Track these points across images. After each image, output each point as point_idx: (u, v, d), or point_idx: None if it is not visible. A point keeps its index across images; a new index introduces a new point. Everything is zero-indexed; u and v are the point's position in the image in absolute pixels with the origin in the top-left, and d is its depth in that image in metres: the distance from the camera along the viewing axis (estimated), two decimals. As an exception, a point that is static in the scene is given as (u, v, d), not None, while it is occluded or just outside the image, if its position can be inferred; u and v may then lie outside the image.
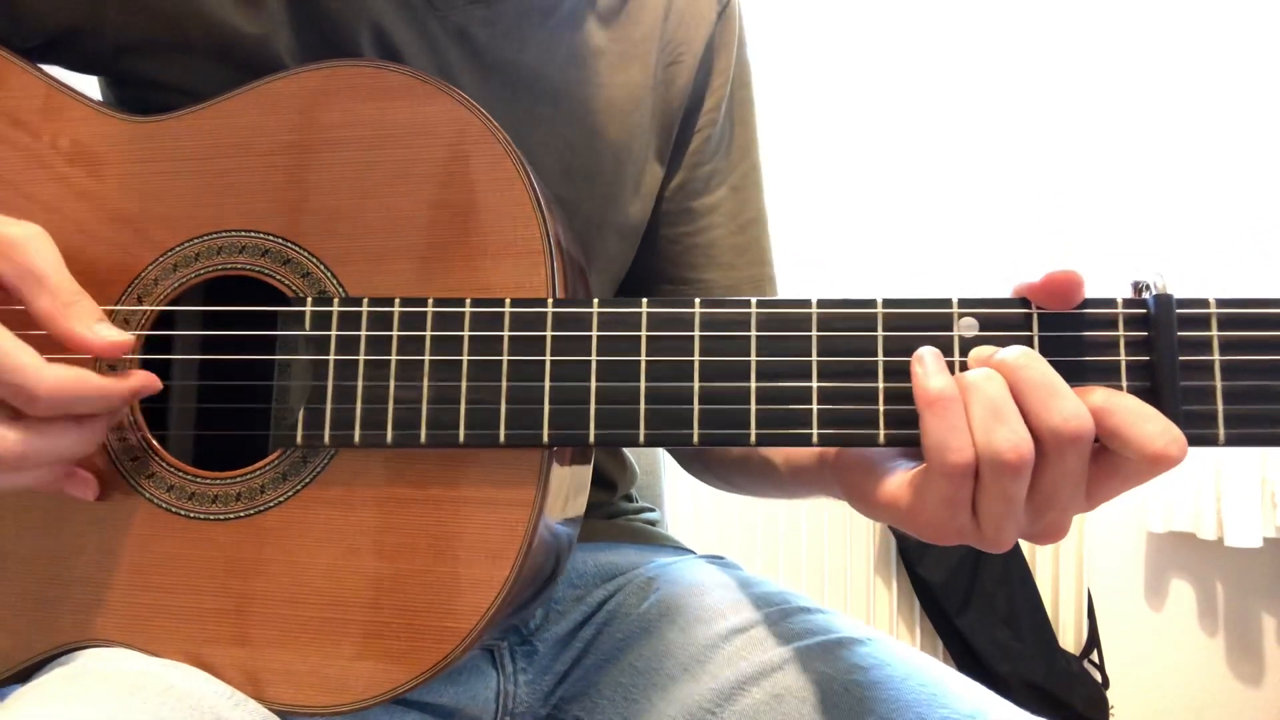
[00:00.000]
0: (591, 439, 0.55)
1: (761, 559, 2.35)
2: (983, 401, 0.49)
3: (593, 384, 0.55)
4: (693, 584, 0.77)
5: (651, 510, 0.94)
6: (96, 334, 0.55)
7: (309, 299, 0.59)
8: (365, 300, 0.58)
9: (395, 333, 0.57)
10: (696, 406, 0.54)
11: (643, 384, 0.54)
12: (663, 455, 1.11)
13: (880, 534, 2.43)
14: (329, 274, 0.60)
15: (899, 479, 0.53)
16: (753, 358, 0.54)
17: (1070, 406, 0.48)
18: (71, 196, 0.64)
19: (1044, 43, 2.52)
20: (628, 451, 0.92)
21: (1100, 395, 0.49)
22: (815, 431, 0.53)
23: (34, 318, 0.55)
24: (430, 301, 0.57)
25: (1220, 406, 0.50)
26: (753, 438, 0.53)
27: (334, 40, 0.69)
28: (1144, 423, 0.48)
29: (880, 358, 0.52)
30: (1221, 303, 0.50)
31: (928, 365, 0.51)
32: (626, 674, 0.72)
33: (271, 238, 0.61)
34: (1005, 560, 2.33)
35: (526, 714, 0.75)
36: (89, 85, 0.71)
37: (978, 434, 0.48)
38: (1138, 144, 2.51)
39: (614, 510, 0.90)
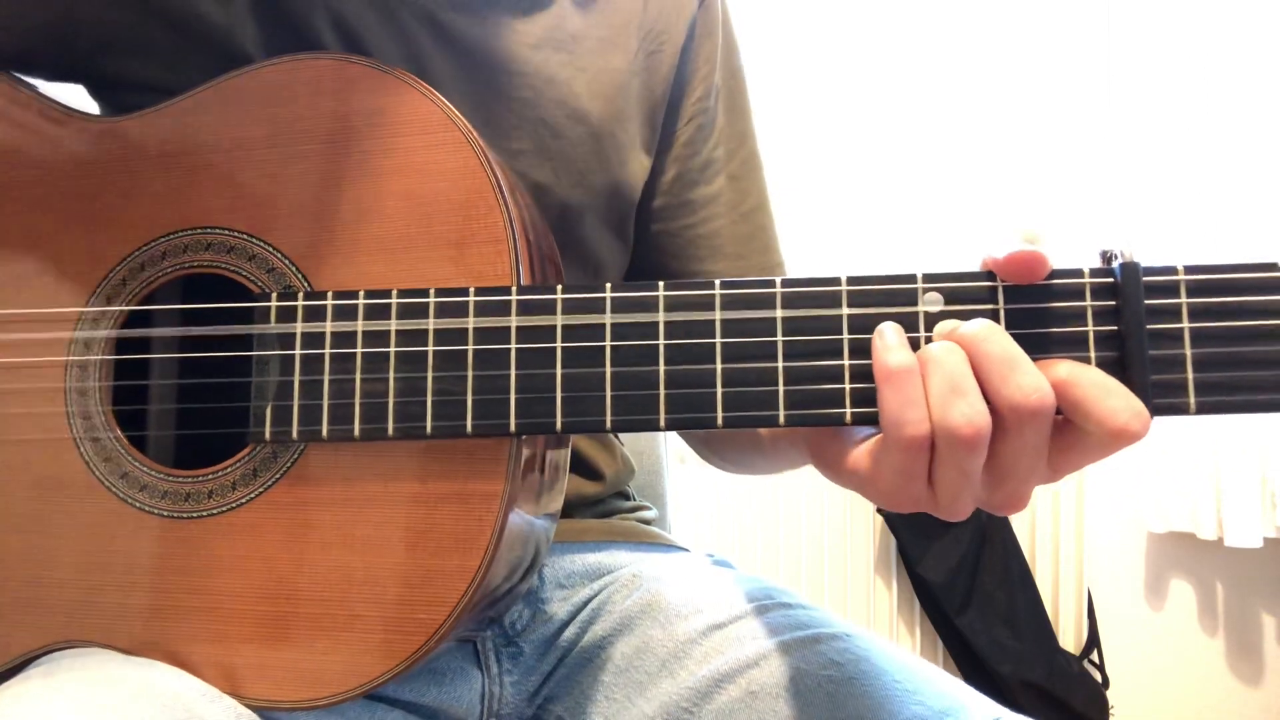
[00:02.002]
0: (559, 427, 0.54)
1: (761, 559, 2.35)
2: (940, 375, 0.48)
3: (558, 371, 0.54)
4: (676, 579, 0.77)
5: (648, 509, 0.93)
6: None
7: (274, 294, 0.59)
8: (330, 294, 0.58)
9: (360, 326, 0.57)
10: (663, 391, 0.53)
11: (608, 369, 0.54)
12: (664, 455, 1.10)
13: (880, 534, 2.42)
14: (294, 268, 0.60)
15: (861, 448, 0.53)
16: (718, 339, 0.53)
17: (1030, 380, 0.47)
18: (37, 198, 0.64)
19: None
20: (626, 447, 0.92)
21: (1064, 369, 0.49)
22: (782, 413, 0.52)
23: None
24: (395, 293, 0.57)
25: (1190, 375, 0.49)
26: (719, 420, 0.52)
27: (297, 31, 0.69)
28: (1108, 397, 0.47)
29: (845, 336, 0.52)
30: (1190, 269, 0.49)
31: (887, 339, 0.51)
32: (608, 672, 0.72)
33: (236, 234, 0.61)
34: (1005, 560, 2.32)
35: (511, 715, 0.74)
36: (77, 96, 0.71)
37: (934, 408, 0.48)
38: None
39: (608, 509, 0.89)
